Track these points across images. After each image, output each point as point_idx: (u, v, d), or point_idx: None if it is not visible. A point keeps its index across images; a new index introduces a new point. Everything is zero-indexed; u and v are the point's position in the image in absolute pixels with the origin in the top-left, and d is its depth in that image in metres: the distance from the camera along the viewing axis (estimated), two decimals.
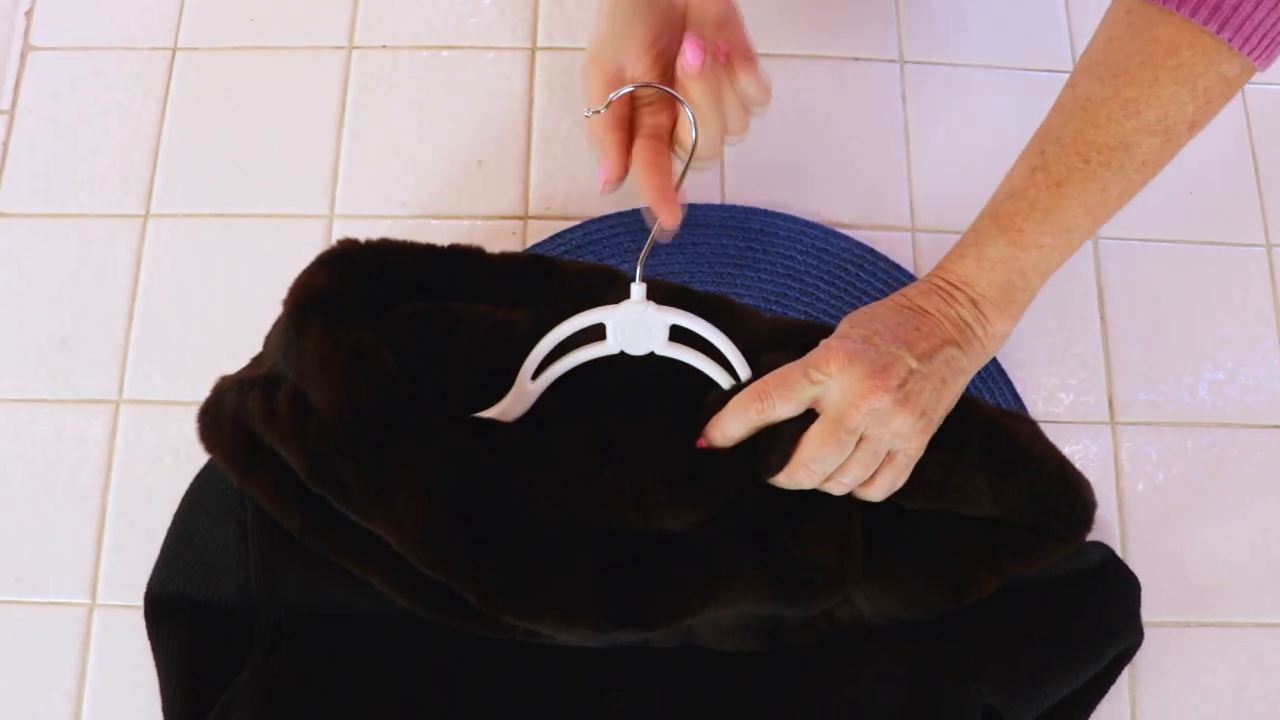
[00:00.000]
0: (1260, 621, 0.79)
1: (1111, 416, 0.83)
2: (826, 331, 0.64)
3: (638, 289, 0.60)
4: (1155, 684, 0.77)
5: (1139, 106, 0.57)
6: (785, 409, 0.59)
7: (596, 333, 0.61)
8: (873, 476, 0.61)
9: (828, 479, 0.61)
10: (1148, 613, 0.71)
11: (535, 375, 0.62)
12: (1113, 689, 0.72)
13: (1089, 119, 0.58)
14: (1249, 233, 0.88)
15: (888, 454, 0.61)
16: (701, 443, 0.61)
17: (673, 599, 0.60)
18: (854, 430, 0.59)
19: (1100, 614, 0.68)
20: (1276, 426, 0.83)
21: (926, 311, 0.61)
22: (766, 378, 0.60)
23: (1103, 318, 0.86)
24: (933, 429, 0.61)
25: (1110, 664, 0.70)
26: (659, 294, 0.69)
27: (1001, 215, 0.61)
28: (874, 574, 0.63)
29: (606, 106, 0.59)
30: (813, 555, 0.61)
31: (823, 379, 0.58)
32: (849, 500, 0.63)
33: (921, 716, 0.65)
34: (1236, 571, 0.80)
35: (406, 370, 0.60)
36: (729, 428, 0.60)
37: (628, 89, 0.59)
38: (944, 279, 0.62)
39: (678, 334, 0.62)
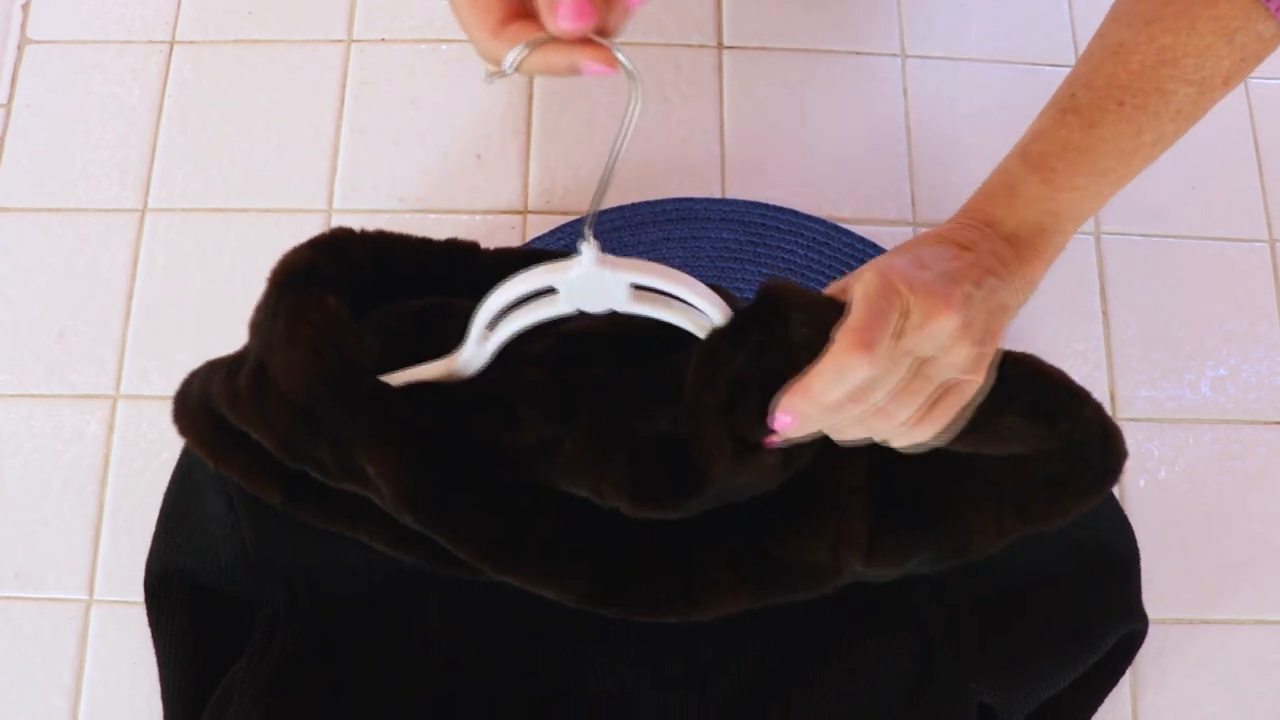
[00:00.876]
0: (1263, 619, 0.78)
1: (1113, 412, 0.83)
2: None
3: (588, 249, 0.52)
4: (1158, 681, 0.77)
5: (1174, 54, 0.55)
6: (873, 332, 0.50)
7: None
8: (928, 411, 0.54)
9: (875, 415, 0.53)
10: (1150, 610, 0.71)
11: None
12: (1115, 686, 0.71)
13: (1121, 63, 0.56)
14: (1252, 228, 0.88)
15: (944, 387, 0.54)
16: (773, 440, 0.55)
17: (650, 602, 0.59)
18: (910, 351, 0.51)
19: (1095, 598, 0.67)
20: (1279, 423, 0.83)
21: (964, 245, 0.57)
22: (851, 319, 0.50)
23: (1105, 313, 0.85)
24: (988, 361, 0.54)
25: (1115, 655, 0.69)
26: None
27: (1032, 155, 0.58)
28: (874, 553, 0.60)
29: (515, 68, 0.44)
30: (800, 561, 0.59)
31: (885, 306, 0.50)
32: (848, 492, 0.60)
33: (917, 717, 0.65)
34: (1239, 568, 0.79)
35: (403, 358, 0.59)
36: (822, 392, 0.51)
37: (524, 47, 0.44)
38: (975, 216, 0.59)
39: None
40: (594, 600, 0.59)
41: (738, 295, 0.70)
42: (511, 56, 0.44)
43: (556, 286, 0.55)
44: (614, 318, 0.56)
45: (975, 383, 0.54)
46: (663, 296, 0.56)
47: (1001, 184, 0.59)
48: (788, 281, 0.55)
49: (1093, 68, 0.58)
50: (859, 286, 0.51)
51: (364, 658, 0.64)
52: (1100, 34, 0.59)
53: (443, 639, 0.65)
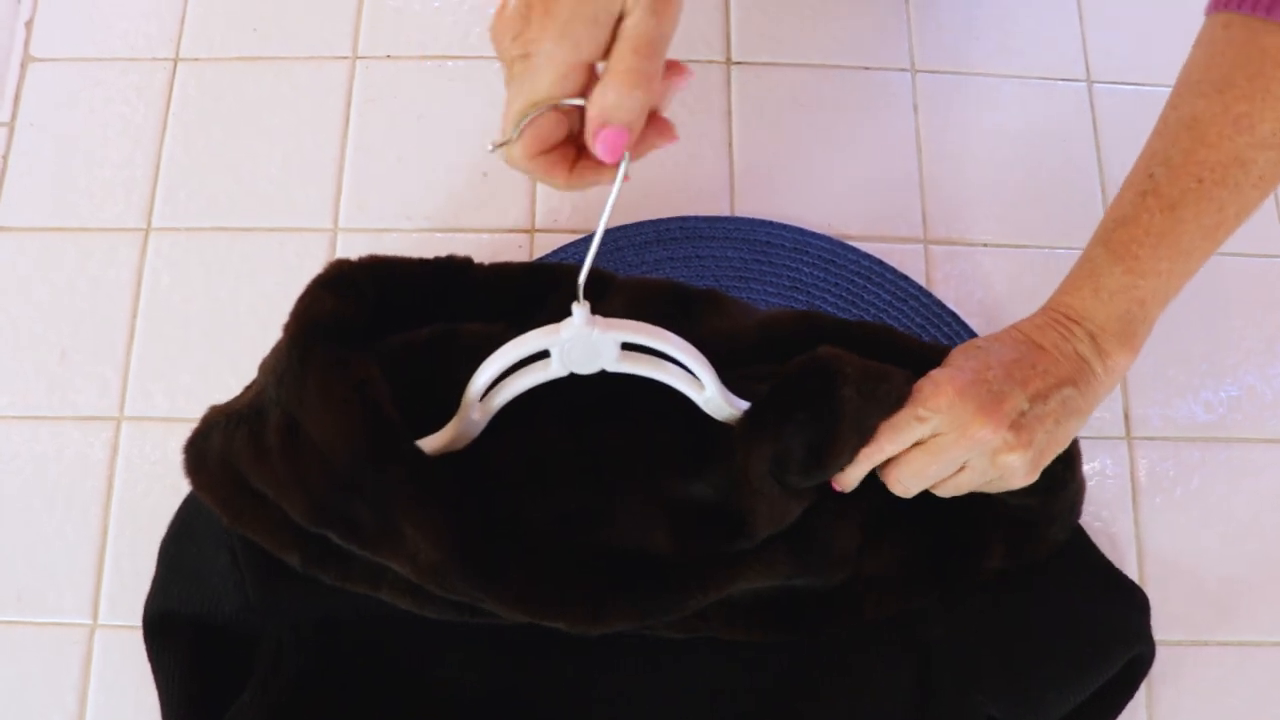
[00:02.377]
0: (1279, 640, 0.77)
1: (1128, 431, 0.82)
2: (817, 330, 0.64)
3: (579, 310, 0.54)
4: (1173, 703, 0.76)
5: (1251, 121, 0.54)
6: (893, 449, 0.58)
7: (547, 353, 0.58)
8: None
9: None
10: (1164, 631, 0.70)
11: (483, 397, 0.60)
12: (1129, 708, 0.70)
13: (1198, 137, 0.56)
14: (1268, 244, 0.87)
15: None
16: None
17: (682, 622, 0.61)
18: (956, 460, 0.58)
19: (1102, 617, 0.67)
20: None
21: (1043, 348, 0.59)
22: (880, 429, 0.58)
23: None
24: (1040, 468, 0.60)
25: (1124, 680, 0.69)
26: (650, 291, 0.67)
27: (1115, 243, 0.58)
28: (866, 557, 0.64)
29: (519, 134, 0.47)
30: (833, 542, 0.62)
31: (929, 416, 0.57)
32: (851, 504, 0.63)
33: None
34: (1255, 589, 0.79)
35: (414, 398, 0.59)
36: (848, 480, 0.60)
37: (537, 112, 0.47)
38: (1060, 312, 0.60)
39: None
40: (640, 621, 0.61)
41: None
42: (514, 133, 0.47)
43: (549, 348, 0.56)
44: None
45: (1019, 481, 0.60)
46: (652, 356, 0.58)
47: (1086, 275, 0.60)
48: (838, 354, 0.59)
49: (1169, 142, 0.57)
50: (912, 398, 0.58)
51: (370, 690, 0.64)
52: (1173, 104, 0.58)
53: (451, 673, 0.64)
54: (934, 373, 0.58)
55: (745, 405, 0.60)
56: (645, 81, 0.45)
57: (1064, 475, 0.63)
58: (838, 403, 0.57)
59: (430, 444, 0.59)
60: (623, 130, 0.46)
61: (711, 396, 0.59)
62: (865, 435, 0.58)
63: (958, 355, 0.60)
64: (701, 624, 0.64)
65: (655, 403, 0.60)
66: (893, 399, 0.57)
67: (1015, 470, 0.58)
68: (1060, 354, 0.58)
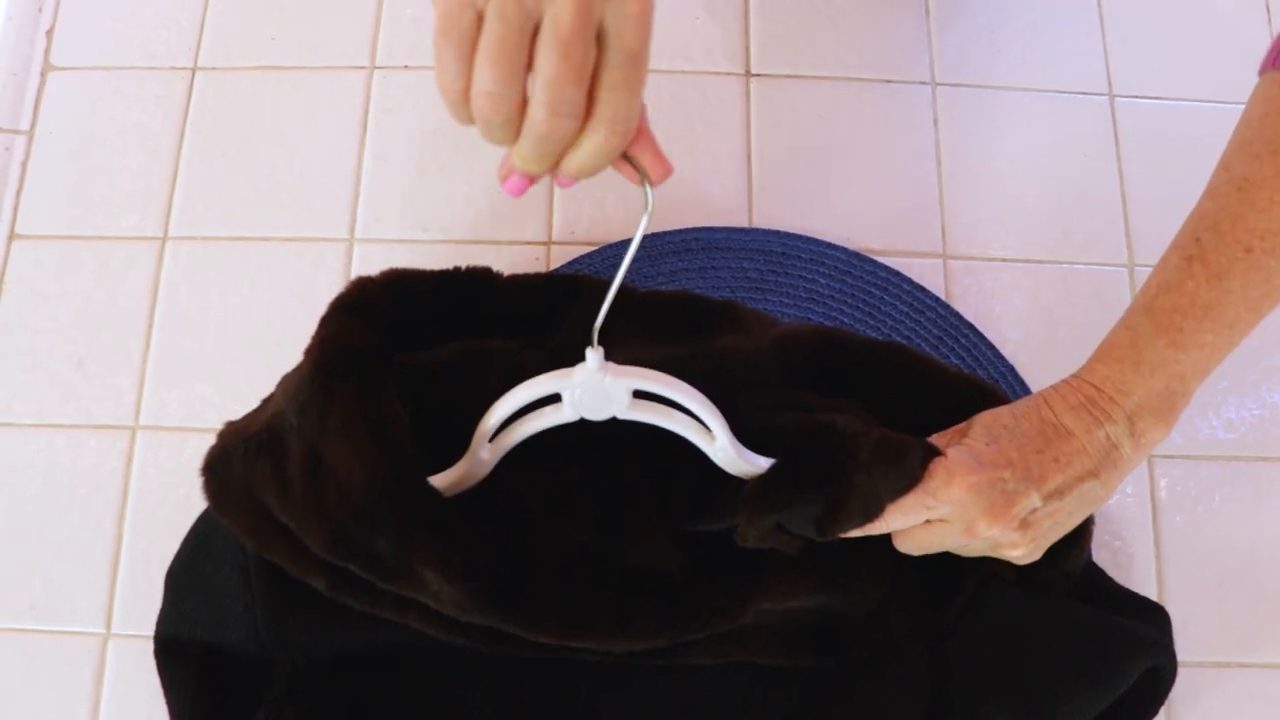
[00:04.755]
0: None
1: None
2: (838, 349, 0.64)
3: (593, 355, 0.55)
4: None
5: None
6: (897, 525, 0.58)
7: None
8: None
9: None
10: (1185, 652, 0.69)
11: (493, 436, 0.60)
12: None
13: (1248, 201, 0.54)
14: None
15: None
16: None
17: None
18: (959, 543, 0.59)
19: (1117, 627, 0.66)
20: None
21: (1071, 434, 0.57)
22: (888, 509, 0.57)
23: None
24: (1043, 550, 0.60)
25: (1143, 695, 0.67)
26: (667, 304, 0.67)
27: (1158, 311, 0.57)
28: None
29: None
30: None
31: (939, 505, 0.56)
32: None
33: None
34: (1278, 611, 0.78)
35: (433, 422, 0.59)
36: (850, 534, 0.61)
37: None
38: (1098, 387, 0.58)
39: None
40: (671, 638, 0.61)
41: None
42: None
43: (561, 392, 0.56)
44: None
45: (1020, 562, 0.61)
46: (663, 405, 0.58)
47: (1128, 345, 0.58)
48: (854, 433, 0.58)
49: (1219, 205, 0.56)
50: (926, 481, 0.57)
51: (386, 716, 0.63)
52: (1225, 164, 0.57)
53: (471, 709, 0.64)
54: (949, 457, 0.57)
55: (754, 458, 0.59)
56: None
57: (1068, 553, 0.63)
58: (848, 488, 0.57)
59: (440, 481, 0.59)
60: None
61: (723, 447, 0.58)
62: (872, 514, 0.57)
63: (979, 432, 0.58)
64: (738, 650, 0.64)
65: (671, 438, 0.60)
66: (905, 481, 0.57)
67: (1015, 558, 0.60)
68: (1088, 441, 0.57)
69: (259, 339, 0.82)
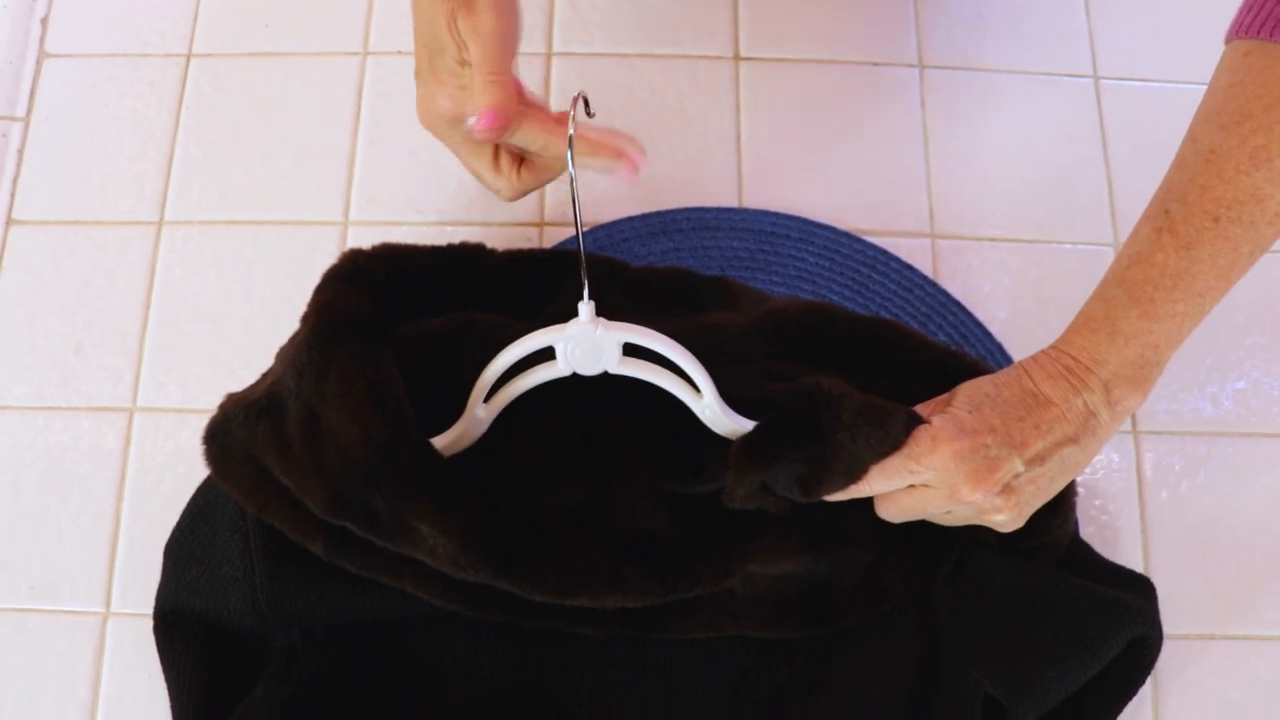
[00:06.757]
0: None
1: (1134, 425, 0.82)
2: (827, 323, 0.65)
3: (585, 308, 0.57)
4: (1179, 698, 0.76)
5: (1269, 154, 0.53)
6: (882, 490, 0.59)
7: (551, 350, 0.60)
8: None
9: None
10: (1171, 625, 0.70)
11: (488, 398, 0.61)
12: (1135, 702, 0.70)
13: (1215, 172, 0.55)
14: None
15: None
16: None
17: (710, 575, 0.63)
18: (942, 509, 0.59)
19: (1103, 596, 0.66)
20: None
21: (1050, 401, 0.58)
22: (871, 471, 0.58)
23: None
24: (1026, 518, 0.61)
25: (1129, 666, 0.68)
26: (658, 279, 0.69)
27: (1130, 283, 0.58)
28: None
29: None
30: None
31: (922, 471, 0.57)
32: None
33: (923, 713, 0.65)
34: (1261, 583, 0.79)
35: (428, 390, 0.60)
36: (834, 499, 0.61)
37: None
38: (1075, 357, 0.59)
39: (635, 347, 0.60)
40: (663, 594, 0.62)
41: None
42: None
43: (554, 345, 0.58)
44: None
45: (1004, 529, 0.62)
46: (652, 362, 0.59)
47: (1102, 317, 0.59)
48: (837, 394, 0.59)
49: (1187, 177, 0.57)
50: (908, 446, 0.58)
51: (384, 691, 0.64)
52: (1192, 135, 0.58)
53: (467, 677, 0.65)
54: (933, 424, 0.58)
55: (739, 419, 0.60)
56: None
57: (1050, 521, 0.64)
58: (831, 446, 0.57)
59: (438, 441, 0.60)
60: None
61: (709, 404, 0.59)
62: (855, 475, 0.58)
63: (962, 399, 0.59)
64: (730, 623, 0.65)
65: (659, 400, 0.61)
66: (888, 444, 0.57)
67: (999, 524, 0.60)
68: (1067, 409, 0.58)
69: (255, 321, 0.83)
